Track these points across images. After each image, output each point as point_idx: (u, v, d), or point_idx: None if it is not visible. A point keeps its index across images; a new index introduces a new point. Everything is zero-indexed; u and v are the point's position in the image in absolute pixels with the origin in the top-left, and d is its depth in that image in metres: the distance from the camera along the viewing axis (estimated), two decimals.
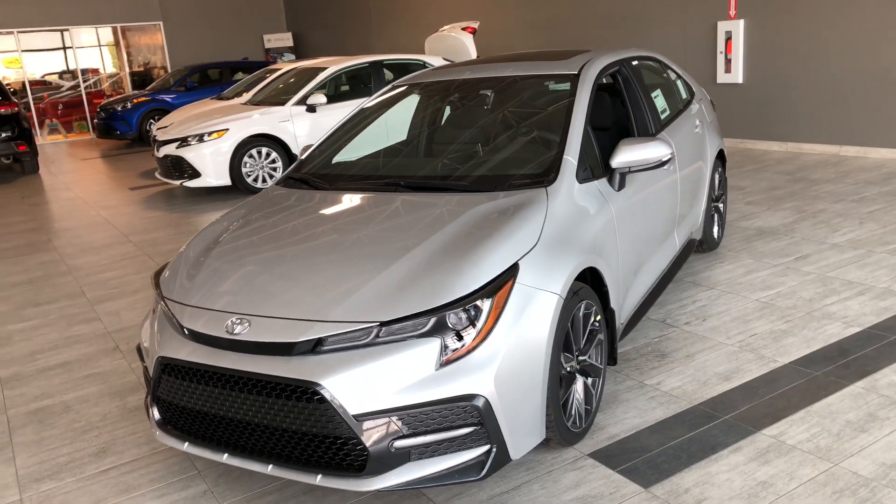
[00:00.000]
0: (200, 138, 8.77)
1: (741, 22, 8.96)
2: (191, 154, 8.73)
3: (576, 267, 2.83)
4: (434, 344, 2.46)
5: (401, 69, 10.13)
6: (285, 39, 19.35)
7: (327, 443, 2.47)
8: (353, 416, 2.39)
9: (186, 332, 2.72)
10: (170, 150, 8.94)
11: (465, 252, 2.66)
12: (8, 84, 17.69)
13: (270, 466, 2.57)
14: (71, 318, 5.11)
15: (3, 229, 8.20)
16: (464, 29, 10.75)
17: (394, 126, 4.09)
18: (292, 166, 3.88)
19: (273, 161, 8.99)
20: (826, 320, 3.98)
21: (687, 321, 4.12)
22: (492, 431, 2.48)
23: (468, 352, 2.47)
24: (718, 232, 5.25)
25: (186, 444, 2.76)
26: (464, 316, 2.50)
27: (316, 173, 3.72)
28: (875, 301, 4.18)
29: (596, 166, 3.41)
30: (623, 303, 3.45)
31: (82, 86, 18.13)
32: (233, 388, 2.56)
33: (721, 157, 5.27)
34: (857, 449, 2.82)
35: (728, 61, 9.18)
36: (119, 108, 14.80)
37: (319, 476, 2.49)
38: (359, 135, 4.01)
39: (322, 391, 2.38)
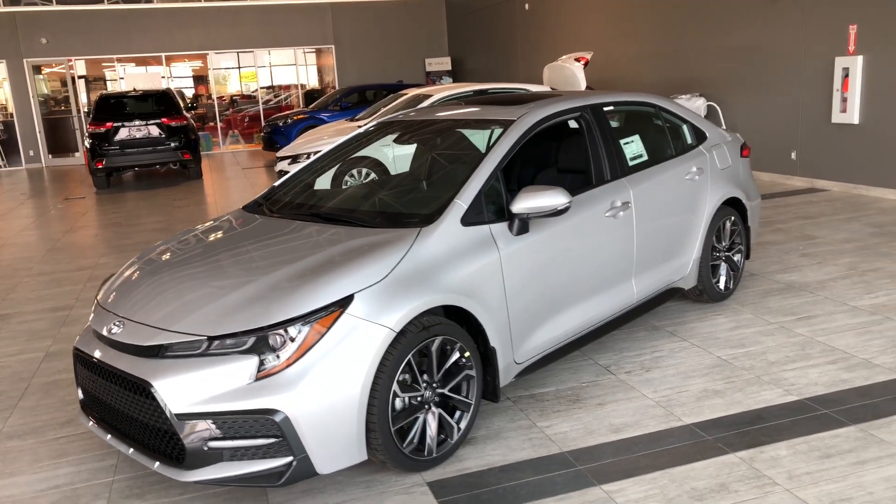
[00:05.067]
0: (308, 156, 9.62)
1: (860, 58, 8.30)
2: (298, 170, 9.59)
3: (421, 305, 3.03)
4: (251, 360, 2.80)
5: None
6: (444, 63, 20.23)
7: (160, 435, 2.89)
8: (175, 414, 2.78)
9: (90, 328, 3.27)
10: (284, 165, 9.89)
11: (305, 280, 2.97)
12: (221, 97, 20.05)
13: (131, 450, 3.03)
14: None
15: (139, 227, 9.51)
16: (577, 60, 10.82)
17: (352, 161, 4.46)
18: (263, 192, 4.36)
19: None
20: (769, 385, 3.79)
21: (630, 370, 4.09)
22: (294, 445, 2.77)
23: (279, 371, 2.78)
24: (728, 283, 5.05)
25: (91, 422, 3.30)
26: (279, 339, 2.82)
27: (269, 199, 4.18)
28: (840, 372, 3.89)
29: (500, 210, 3.55)
30: (521, 344, 3.55)
31: (260, 102, 20.15)
32: (106, 378, 3.05)
33: (736, 205, 5.07)
34: None
35: (844, 100, 8.52)
36: (281, 124, 16.32)
37: (157, 463, 2.92)
38: (324, 167, 4.42)
39: (152, 390, 2.81)
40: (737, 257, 5.13)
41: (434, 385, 3.18)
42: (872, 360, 4.01)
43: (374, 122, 4.63)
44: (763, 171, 9.98)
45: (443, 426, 3.24)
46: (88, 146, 13.03)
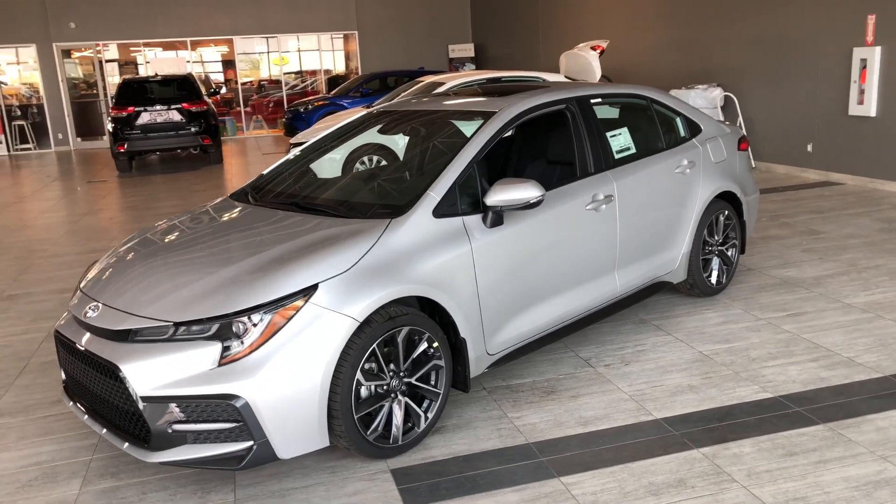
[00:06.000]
0: None
1: (877, 49, 8.12)
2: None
3: (387, 295, 3.08)
4: (215, 346, 2.86)
5: None
6: (468, 50, 20.16)
7: (128, 416, 2.98)
8: (141, 397, 2.86)
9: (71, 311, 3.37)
10: (297, 151, 9.96)
11: (271, 269, 3.03)
12: (246, 82, 20.23)
13: (104, 430, 3.13)
14: None
15: (154, 211, 9.67)
16: (593, 48, 10.73)
17: (364, 148, 4.52)
18: (251, 180, 4.43)
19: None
20: (746, 382, 3.77)
21: (609, 363, 4.10)
22: (254, 430, 2.84)
23: (240, 357, 2.85)
24: (720, 278, 5.01)
25: (71, 403, 3.41)
26: (242, 326, 2.88)
27: (256, 187, 4.25)
28: (821, 370, 3.86)
29: (476, 202, 3.57)
30: (493, 335, 3.57)
31: (284, 87, 20.29)
32: (82, 360, 3.15)
33: (731, 199, 5.02)
34: None
35: (861, 92, 8.35)
36: (302, 110, 16.43)
37: (126, 444, 3.01)
38: (312, 155, 4.47)
39: (120, 373, 2.89)
40: (730, 252, 5.09)
41: (401, 374, 3.22)
42: (855, 359, 3.96)
43: (363, 113, 4.67)
44: (778, 164, 9.84)
45: (410, 415, 3.29)
46: (111, 130, 13.25)
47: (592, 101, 4.32)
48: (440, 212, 3.41)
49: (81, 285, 3.53)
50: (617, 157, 4.29)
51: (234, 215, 3.82)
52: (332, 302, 2.98)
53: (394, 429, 3.21)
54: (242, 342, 2.87)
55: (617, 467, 3.08)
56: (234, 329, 2.89)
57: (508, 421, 3.53)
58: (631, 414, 3.52)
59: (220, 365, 2.85)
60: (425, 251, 3.30)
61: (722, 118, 10.32)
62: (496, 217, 3.53)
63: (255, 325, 2.88)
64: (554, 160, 4.38)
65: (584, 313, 4.09)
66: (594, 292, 4.11)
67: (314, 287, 2.98)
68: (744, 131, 10.20)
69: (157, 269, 3.30)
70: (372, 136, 4.58)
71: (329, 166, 4.84)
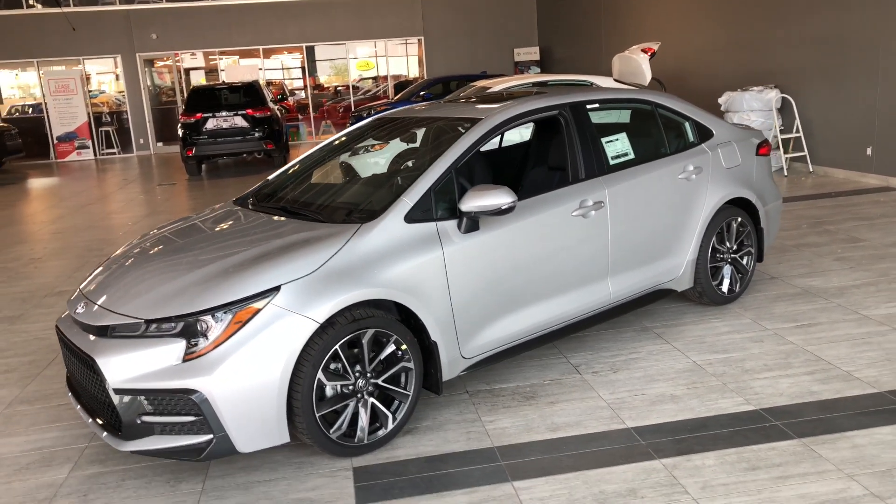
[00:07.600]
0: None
1: None
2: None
3: (350, 298, 3.17)
4: (179, 343, 3.03)
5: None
6: (533, 53, 20.10)
7: (105, 406, 3.18)
8: (113, 388, 3.05)
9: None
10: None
11: (238, 270, 3.17)
12: (316, 88, 20.84)
13: (90, 420, 3.35)
14: None
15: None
16: (644, 51, 10.54)
17: (335, 157, 4.65)
18: (255, 186, 4.61)
19: None
20: (731, 394, 3.68)
21: (598, 370, 4.07)
22: (213, 423, 2.98)
23: (202, 354, 3.00)
24: (732, 286, 4.88)
25: (70, 393, 3.65)
26: (204, 325, 3.03)
27: (256, 193, 4.42)
28: (813, 384, 3.73)
29: (454, 208, 3.62)
30: (469, 339, 3.61)
31: (351, 92, 20.74)
32: (72, 353, 3.38)
33: (744, 205, 4.89)
34: None
35: None
36: (365, 115, 16.78)
37: (105, 433, 3.21)
38: (309, 163, 4.61)
39: (95, 365, 3.09)
40: (745, 260, 4.95)
41: (368, 375, 3.31)
42: (853, 374, 3.81)
43: (365, 121, 4.78)
44: (837, 168, 9.43)
45: (378, 415, 3.37)
46: (181, 135, 13.88)
47: (588, 107, 4.30)
48: (413, 217, 3.48)
49: (81, 284, 3.78)
50: (612, 163, 4.25)
51: (227, 219, 4.00)
52: (294, 303, 3.09)
53: (359, 430, 3.30)
54: (208, 339, 3.02)
55: (572, 474, 3.08)
56: (198, 327, 3.04)
57: (481, 424, 3.56)
58: (603, 422, 3.50)
59: (183, 361, 3.01)
60: (395, 255, 3.37)
61: (779, 121, 9.97)
62: (471, 223, 3.58)
63: (214, 324, 3.03)
64: (551, 166, 4.39)
65: (573, 319, 4.07)
66: (583, 298, 4.09)
67: (276, 289, 3.11)
68: (801, 133, 9.85)
69: (142, 271, 3.50)
70: (371, 142, 4.69)
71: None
